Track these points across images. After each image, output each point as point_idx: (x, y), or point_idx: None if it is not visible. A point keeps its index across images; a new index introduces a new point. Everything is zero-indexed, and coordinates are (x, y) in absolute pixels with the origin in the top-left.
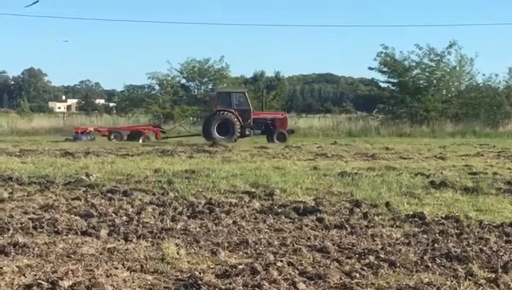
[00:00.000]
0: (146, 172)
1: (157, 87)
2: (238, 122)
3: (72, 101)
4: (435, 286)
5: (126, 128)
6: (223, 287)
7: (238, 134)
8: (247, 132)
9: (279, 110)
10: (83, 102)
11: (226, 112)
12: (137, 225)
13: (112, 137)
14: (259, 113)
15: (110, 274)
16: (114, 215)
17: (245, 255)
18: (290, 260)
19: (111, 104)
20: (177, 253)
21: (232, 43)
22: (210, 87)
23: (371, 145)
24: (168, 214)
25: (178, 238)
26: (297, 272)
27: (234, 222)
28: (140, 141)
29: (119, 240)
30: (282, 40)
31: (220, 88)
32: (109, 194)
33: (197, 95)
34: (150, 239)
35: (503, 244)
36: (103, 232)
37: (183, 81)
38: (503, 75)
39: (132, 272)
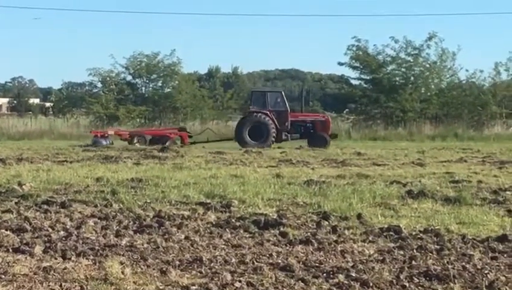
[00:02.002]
0: (87, 181)
1: (99, 84)
2: (273, 126)
3: (2, 101)
4: None
5: (149, 132)
6: None
7: (274, 138)
8: (283, 136)
9: (237, 111)
10: (15, 102)
11: (260, 114)
12: (77, 240)
13: (135, 141)
14: (298, 115)
15: None
16: (50, 230)
17: (199, 274)
18: (250, 280)
19: (47, 104)
20: (122, 272)
21: (184, 35)
22: (160, 84)
23: (341, 150)
24: (111, 228)
25: (123, 255)
26: None
27: (186, 237)
28: (167, 145)
29: (56, 258)
30: (241, 32)
31: (253, 87)
32: (45, 206)
33: None
34: (91, 257)
35: (488, 261)
36: (38, 249)
37: (129, 78)
38: (489, 71)
39: None
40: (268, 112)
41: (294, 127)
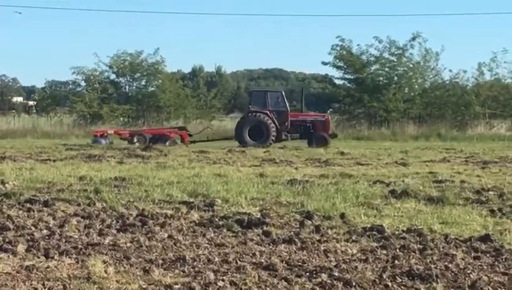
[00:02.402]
0: (70, 180)
1: (83, 83)
2: (273, 125)
3: None
4: None
5: (149, 131)
6: None
7: (273, 138)
8: (283, 136)
9: (220, 110)
10: None
11: (260, 114)
12: (60, 239)
13: (135, 140)
14: (298, 114)
15: None
16: (33, 228)
17: (182, 273)
18: (233, 279)
19: (30, 103)
20: (105, 271)
21: (168, 34)
22: (143, 83)
23: (324, 149)
24: (94, 227)
25: (106, 254)
26: None
27: (170, 236)
28: (167, 144)
29: (38, 257)
30: (225, 31)
31: (253, 87)
32: (28, 205)
33: None
34: (74, 256)
35: (471, 261)
36: (21, 248)
37: (113, 76)
38: (472, 71)
39: None
40: (268, 112)
41: (294, 126)
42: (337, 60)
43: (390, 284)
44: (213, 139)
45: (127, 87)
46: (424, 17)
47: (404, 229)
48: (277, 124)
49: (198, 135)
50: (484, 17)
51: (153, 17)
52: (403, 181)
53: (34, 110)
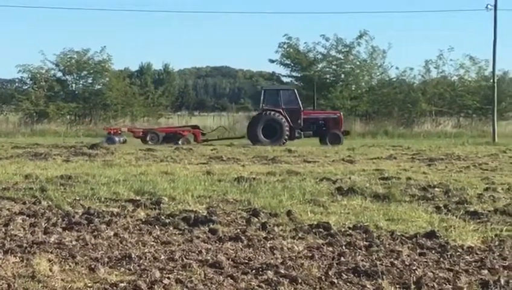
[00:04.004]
0: (15, 178)
1: (29, 81)
2: (286, 123)
3: None
4: None
5: (162, 130)
6: None
7: (287, 136)
8: (296, 134)
9: (168, 108)
10: None
11: (272, 112)
12: (5, 237)
13: (148, 139)
14: (310, 112)
15: None
16: None
17: (127, 271)
18: (179, 276)
19: None
20: (50, 270)
21: (115, 32)
22: (90, 81)
23: (271, 147)
24: (40, 225)
25: (51, 253)
26: None
27: (116, 234)
28: (180, 143)
29: None
30: (172, 29)
31: (266, 85)
32: None
33: None
34: (19, 254)
35: (416, 257)
36: None
37: (59, 74)
38: (419, 68)
39: None
40: (281, 110)
41: (307, 124)
42: (284, 58)
43: (336, 281)
44: (226, 138)
45: (74, 85)
46: (371, 15)
47: (351, 226)
48: (290, 122)
49: (211, 134)
50: (430, 15)
51: (99, 15)
52: (350, 178)
53: None
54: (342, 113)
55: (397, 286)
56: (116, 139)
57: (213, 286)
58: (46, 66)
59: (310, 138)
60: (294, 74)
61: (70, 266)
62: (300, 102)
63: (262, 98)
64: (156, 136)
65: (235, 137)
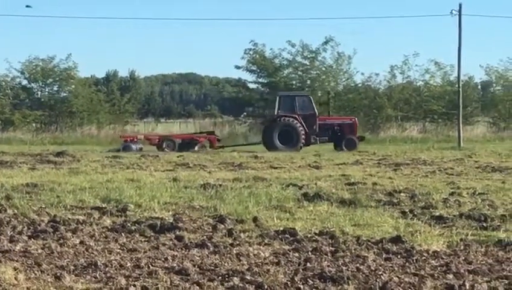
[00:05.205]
0: None
1: None
2: (302, 129)
3: None
4: None
5: (178, 137)
6: None
7: (303, 142)
8: (312, 140)
9: (134, 115)
10: None
11: (288, 118)
12: None
13: (164, 146)
14: (326, 118)
15: None
16: None
17: (93, 279)
18: (145, 284)
19: None
20: (15, 278)
21: (81, 40)
22: (56, 89)
23: (238, 153)
24: (5, 234)
25: (17, 261)
26: None
27: (81, 242)
28: (196, 149)
29: None
30: (137, 36)
31: (281, 92)
32: None
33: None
34: None
35: (382, 262)
36: None
37: (25, 82)
38: (384, 74)
39: None
40: (297, 116)
41: (322, 130)
42: (250, 64)
43: (302, 286)
44: (241, 144)
45: (40, 92)
46: (336, 21)
47: (317, 231)
48: (306, 127)
49: (227, 140)
50: (395, 21)
51: (65, 22)
52: (316, 184)
53: None
54: (356, 119)
55: None
56: (134, 147)
57: None
58: (11, 73)
59: (325, 143)
60: (260, 80)
61: (36, 274)
62: (315, 108)
63: (277, 104)
64: (172, 143)
65: (251, 143)
